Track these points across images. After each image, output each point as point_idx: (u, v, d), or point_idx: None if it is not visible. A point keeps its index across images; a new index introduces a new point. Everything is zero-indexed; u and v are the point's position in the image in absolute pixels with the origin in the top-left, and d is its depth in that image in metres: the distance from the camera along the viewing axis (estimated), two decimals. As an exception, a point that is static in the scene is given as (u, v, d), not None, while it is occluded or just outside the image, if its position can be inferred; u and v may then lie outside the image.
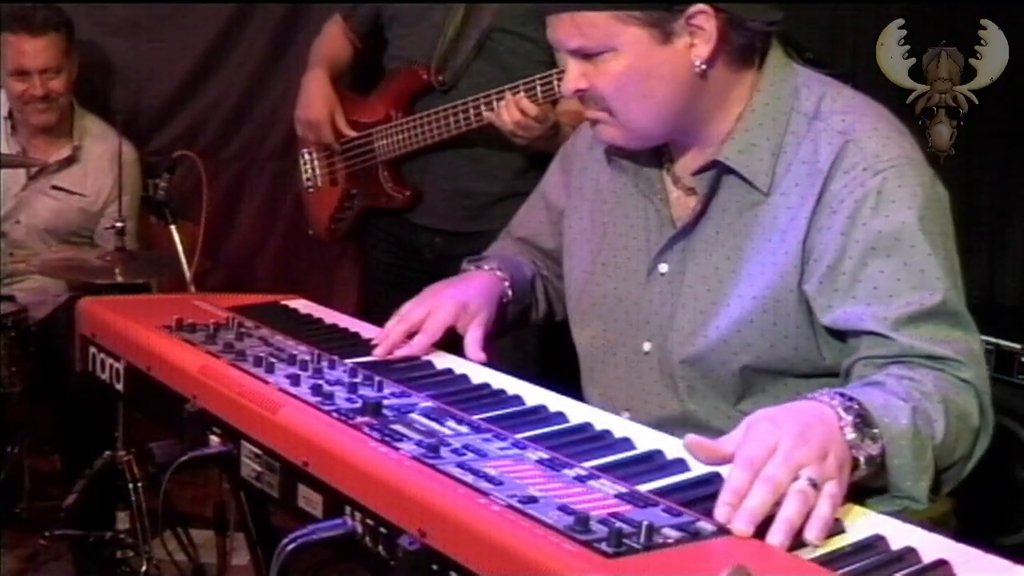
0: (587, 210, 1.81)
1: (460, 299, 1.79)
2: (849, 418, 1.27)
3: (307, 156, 3.15)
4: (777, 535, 1.09)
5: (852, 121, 1.53)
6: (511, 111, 2.56)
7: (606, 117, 1.59)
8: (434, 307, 1.77)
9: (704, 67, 1.52)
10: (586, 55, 1.54)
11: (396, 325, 1.76)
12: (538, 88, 2.54)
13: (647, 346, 1.67)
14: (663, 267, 1.66)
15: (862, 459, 1.27)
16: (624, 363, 1.70)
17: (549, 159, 2.90)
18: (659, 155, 1.69)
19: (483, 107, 2.64)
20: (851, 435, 1.26)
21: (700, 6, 1.49)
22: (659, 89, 1.54)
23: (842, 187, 1.50)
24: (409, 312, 1.78)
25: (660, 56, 1.51)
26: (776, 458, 1.17)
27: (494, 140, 2.81)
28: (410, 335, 1.74)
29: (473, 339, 1.74)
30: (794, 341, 1.55)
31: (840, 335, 1.53)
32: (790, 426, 1.21)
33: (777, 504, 1.12)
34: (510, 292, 1.87)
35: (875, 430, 1.29)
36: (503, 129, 2.60)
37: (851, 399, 1.30)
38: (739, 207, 1.59)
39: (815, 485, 1.15)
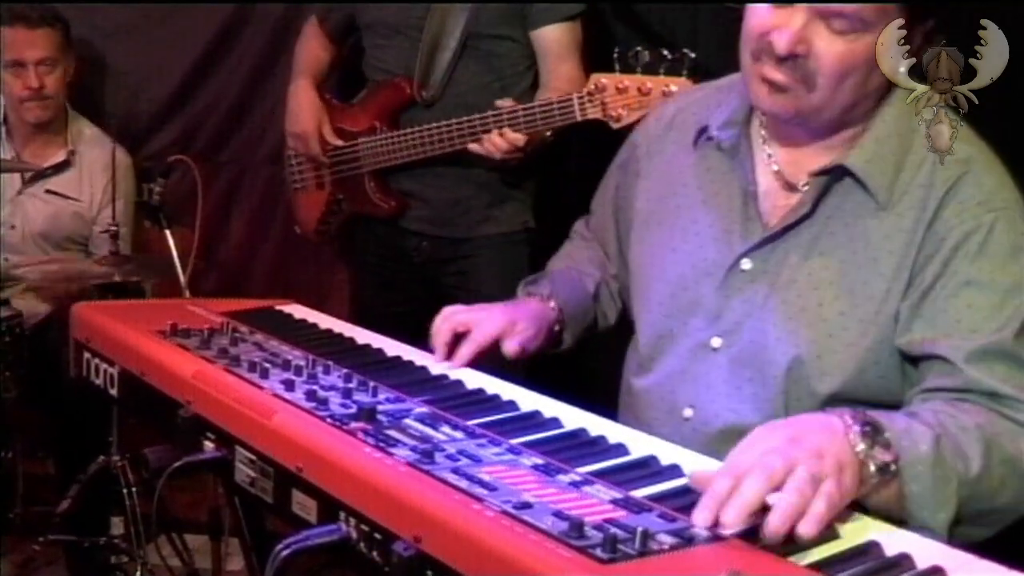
0: (658, 192, 1.73)
1: (510, 315, 1.76)
2: (857, 427, 1.24)
3: (293, 158, 3.15)
4: (774, 522, 1.08)
5: (974, 153, 1.51)
6: (497, 143, 2.56)
7: (799, 89, 1.48)
8: (483, 318, 1.74)
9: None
10: (835, 22, 1.44)
11: (441, 323, 1.74)
12: (521, 117, 2.55)
13: (716, 342, 1.60)
14: (746, 263, 1.59)
15: (872, 466, 1.23)
16: (688, 355, 1.63)
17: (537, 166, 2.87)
18: (749, 141, 1.64)
19: (467, 132, 2.64)
20: (860, 444, 1.24)
21: (932, 22, 1.47)
22: (872, 83, 1.49)
23: (954, 215, 1.47)
24: (453, 312, 1.75)
25: None
26: (771, 454, 1.16)
27: None
28: (456, 338, 1.72)
29: (513, 342, 1.71)
30: (883, 368, 1.50)
31: (916, 364, 1.50)
32: (786, 431, 1.22)
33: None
34: (562, 318, 1.82)
35: (887, 436, 1.26)
36: (492, 158, 2.60)
37: (865, 414, 1.27)
38: (849, 217, 1.53)
39: (813, 481, 1.13)
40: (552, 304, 1.82)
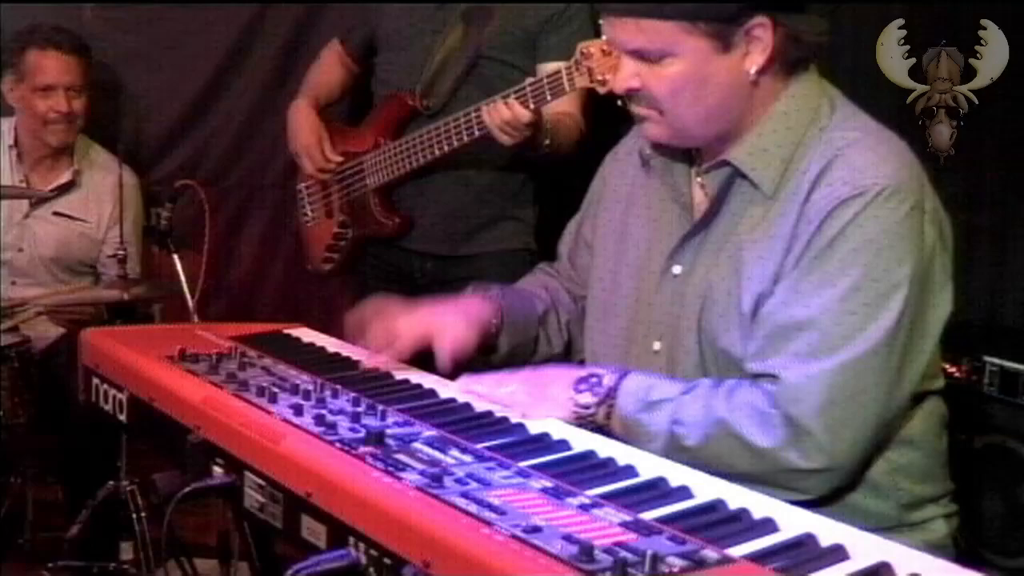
0: (618, 212, 1.85)
1: (434, 312, 1.84)
2: (579, 376, 1.63)
3: (304, 191, 3.17)
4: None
5: (854, 139, 1.57)
6: (501, 111, 2.51)
7: (655, 116, 1.64)
8: (402, 319, 1.83)
9: (756, 76, 1.58)
10: (644, 57, 1.58)
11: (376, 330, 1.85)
12: (528, 93, 2.50)
13: (657, 345, 1.72)
14: (677, 268, 1.70)
15: (580, 400, 1.61)
16: (635, 362, 1.73)
17: (543, 185, 2.86)
18: (690, 158, 1.74)
19: (463, 127, 2.63)
20: (575, 387, 1.62)
21: (760, 19, 1.54)
22: (712, 95, 1.59)
23: (820, 198, 1.54)
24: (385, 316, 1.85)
25: (718, 65, 1.57)
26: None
27: (484, 163, 2.82)
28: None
29: (443, 352, 1.79)
30: None
31: None
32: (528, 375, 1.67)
33: None
34: (500, 318, 1.88)
35: (601, 388, 1.61)
36: (490, 128, 2.55)
37: (601, 374, 1.62)
38: (743, 210, 1.63)
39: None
40: (493, 302, 1.90)
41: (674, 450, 1.54)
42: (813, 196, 1.54)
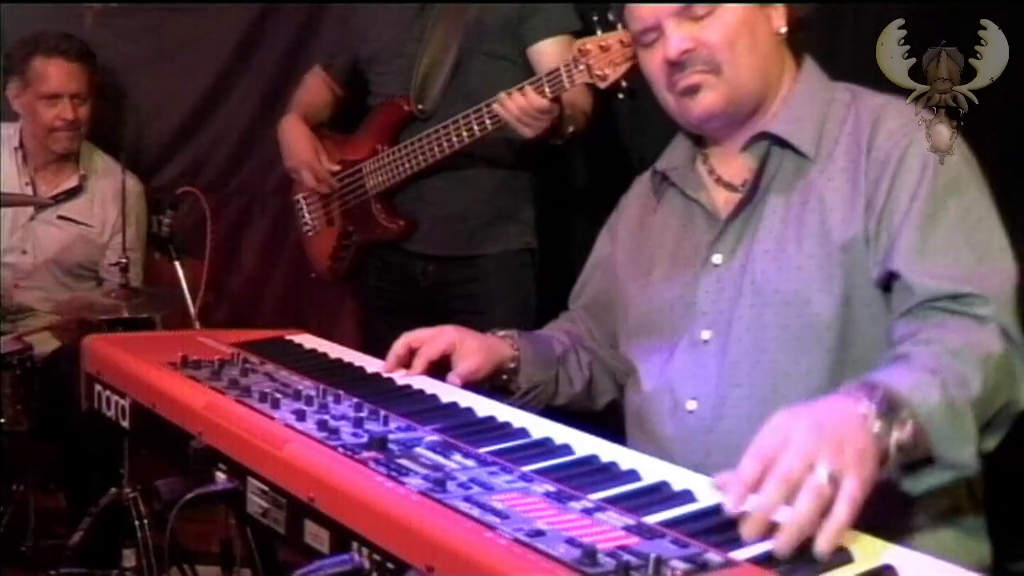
0: (634, 247, 1.90)
1: (462, 335, 1.86)
2: (873, 408, 1.26)
3: (302, 201, 3.17)
4: (784, 538, 1.09)
5: (885, 101, 1.68)
6: (517, 100, 2.48)
7: (710, 79, 1.69)
8: (436, 334, 1.85)
9: (783, 34, 1.72)
10: (693, 15, 1.67)
11: (400, 341, 1.86)
12: (545, 85, 2.48)
13: (706, 334, 1.71)
14: (717, 258, 1.72)
15: (891, 449, 1.26)
16: (685, 353, 1.74)
17: (544, 188, 2.86)
18: (694, 161, 1.83)
19: (463, 129, 2.63)
20: (876, 426, 1.25)
21: None
22: (761, 43, 1.70)
23: (886, 140, 1.62)
24: (412, 331, 1.86)
25: (759, 15, 1.71)
26: (789, 451, 1.17)
27: (484, 164, 2.82)
28: (412, 352, 1.84)
29: (458, 370, 1.81)
30: (866, 296, 1.60)
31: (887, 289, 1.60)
32: (805, 417, 1.22)
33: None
34: (518, 359, 1.90)
35: (903, 414, 1.28)
36: (509, 120, 2.51)
37: (874, 387, 1.29)
38: (790, 176, 1.68)
39: (833, 480, 1.14)
40: (513, 343, 1.91)
41: (974, 417, 1.37)
42: (876, 143, 1.62)
